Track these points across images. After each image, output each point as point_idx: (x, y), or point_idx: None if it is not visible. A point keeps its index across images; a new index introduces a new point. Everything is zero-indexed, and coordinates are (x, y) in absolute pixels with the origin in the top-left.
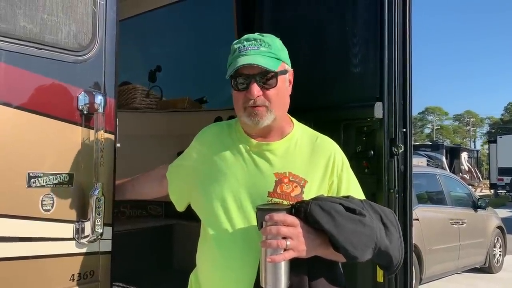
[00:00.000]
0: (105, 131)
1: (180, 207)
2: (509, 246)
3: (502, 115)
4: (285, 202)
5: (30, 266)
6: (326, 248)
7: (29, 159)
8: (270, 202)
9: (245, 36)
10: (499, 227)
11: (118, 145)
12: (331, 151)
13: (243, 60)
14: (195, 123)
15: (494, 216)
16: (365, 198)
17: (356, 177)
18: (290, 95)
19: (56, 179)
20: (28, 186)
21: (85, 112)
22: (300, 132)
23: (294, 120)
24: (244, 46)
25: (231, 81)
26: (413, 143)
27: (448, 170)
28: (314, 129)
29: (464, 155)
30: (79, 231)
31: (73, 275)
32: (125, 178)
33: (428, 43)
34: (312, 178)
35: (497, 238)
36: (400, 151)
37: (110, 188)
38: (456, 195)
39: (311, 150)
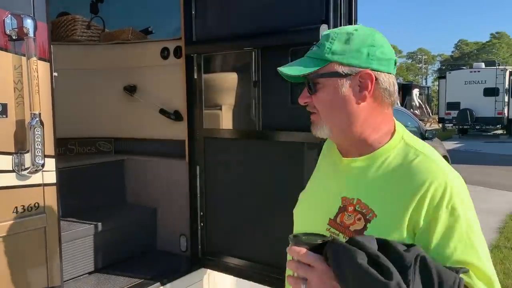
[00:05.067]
0: (39, 59)
1: None
2: None
3: (452, 52)
4: (341, 236)
5: None
6: None
7: None
8: (317, 233)
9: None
10: (443, 156)
11: (55, 74)
12: (425, 179)
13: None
14: (140, 55)
15: (440, 147)
16: (485, 258)
17: None
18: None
19: None
20: None
21: (14, 37)
22: (400, 147)
23: (399, 130)
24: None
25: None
26: None
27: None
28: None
29: (415, 92)
30: (19, 163)
31: (16, 207)
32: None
33: None
34: (385, 212)
35: None
36: None
37: (49, 117)
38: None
39: (400, 174)
